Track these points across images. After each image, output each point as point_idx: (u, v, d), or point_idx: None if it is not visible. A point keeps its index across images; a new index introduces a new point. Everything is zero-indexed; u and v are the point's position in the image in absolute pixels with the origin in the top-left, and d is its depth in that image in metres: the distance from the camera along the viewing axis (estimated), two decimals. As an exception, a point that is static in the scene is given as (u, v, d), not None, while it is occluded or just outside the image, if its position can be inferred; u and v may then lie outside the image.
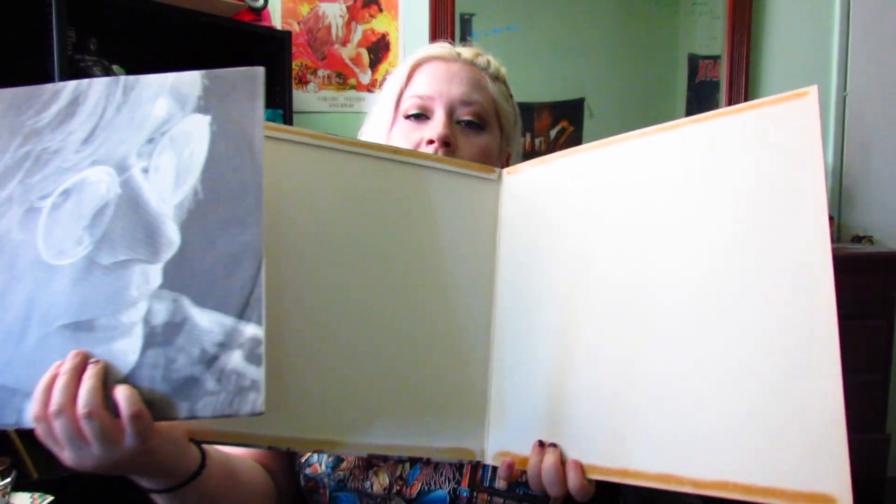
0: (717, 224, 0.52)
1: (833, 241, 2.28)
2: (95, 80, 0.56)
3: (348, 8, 2.18)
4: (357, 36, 2.19)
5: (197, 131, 0.54)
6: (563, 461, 0.58)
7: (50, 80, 1.37)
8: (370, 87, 2.19)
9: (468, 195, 0.67)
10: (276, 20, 2.09)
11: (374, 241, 0.64)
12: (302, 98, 2.13)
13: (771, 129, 0.51)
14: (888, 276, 1.91)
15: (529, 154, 2.42)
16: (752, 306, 0.49)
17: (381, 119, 0.80)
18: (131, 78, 0.56)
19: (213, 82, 0.56)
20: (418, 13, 2.20)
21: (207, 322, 0.51)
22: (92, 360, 0.50)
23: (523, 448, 0.61)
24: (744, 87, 2.33)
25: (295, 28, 2.14)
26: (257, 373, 0.50)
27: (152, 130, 0.55)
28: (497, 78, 0.82)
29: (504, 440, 0.63)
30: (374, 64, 2.19)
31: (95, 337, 0.51)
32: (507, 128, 0.83)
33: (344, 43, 2.19)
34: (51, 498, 1.18)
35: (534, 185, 0.66)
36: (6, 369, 0.51)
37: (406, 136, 0.77)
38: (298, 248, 0.62)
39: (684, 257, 0.54)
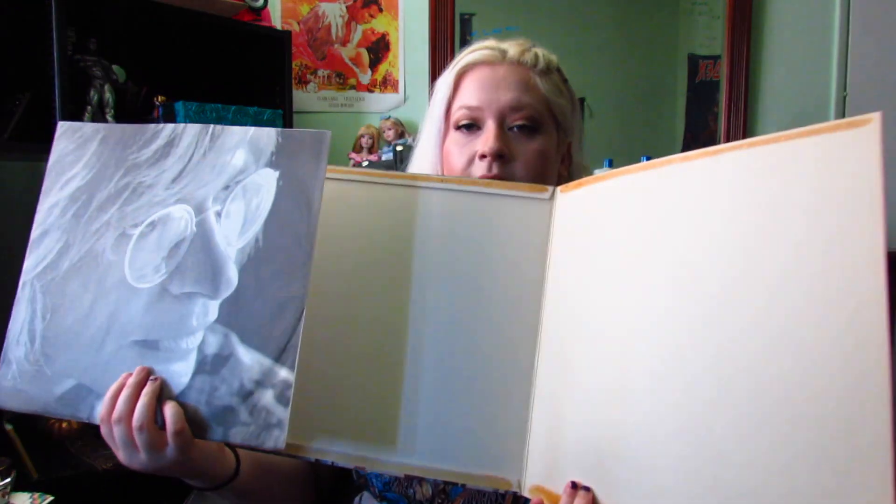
0: (773, 257, 0.48)
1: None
2: (189, 125, 0.63)
3: (348, 8, 2.18)
4: (357, 36, 2.19)
5: (266, 184, 0.60)
6: None
7: (50, 79, 1.37)
8: (370, 87, 2.19)
9: (518, 217, 0.66)
10: (276, 20, 2.08)
11: (420, 271, 0.66)
12: (302, 98, 2.13)
13: (831, 158, 0.46)
14: (888, 276, 1.90)
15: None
16: (803, 357, 0.44)
17: (433, 130, 0.81)
18: (219, 127, 0.62)
19: (285, 140, 0.61)
20: (418, 13, 2.20)
21: (249, 360, 0.58)
22: (153, 376, 0.58)
23: (558, 485, 0.57)
24: (744, 87, 2.33)
25: (295, 28, 2.14)
26: (284, 413, 0.56)
27: (229, 178, 0.61)
28: (547, 71, 0.79)
29: (541, 474, 0.59)
30: (374, 64, 2.19)
31: (158, 356, 0.59)
32: (564, 121, 0.80)
33: (344, 43, 2.19)
34: (51, 498, 1.18)
35: (589, 203, 0.62)
36: (87, 371, 0.60)
37: (460, 149, 0.76)
38: (348, 278, 0.66)
39: (742, 291, 0.49)
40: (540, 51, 0.80)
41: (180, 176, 0.62)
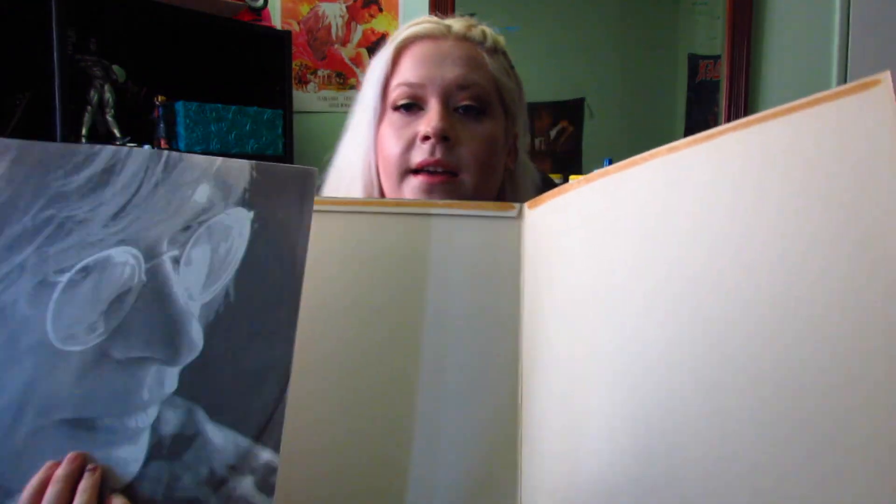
0: (773, 253, 0.41)
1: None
2: (136, 150, 0.51)
3: (348, 8, 2.18)
4: (357, 36, 2.19)
5: (237, 227, 0.50)
6: None
7: (50, 80, 1.37)
8: (370, 87, 2.19)
9: (488, 238, 0.57)
10: (276, 20, 2.09)
11: (388, 305, 0.56)
12: (302, 98, 2.13)
13: (836, 131, 0.40)
14: None
15: (529, 153, 2.41)
16: (829, 354, 0.38)
17: (365, 113, 0.70)
18: (175, 154, 0.51)
19: (261, 175, 0.51)
20: (418, 13, 2.19)
21: (221, 440, 0.47)
22: (90, 466, 0.45)
23: None
24: (744, 87, 2.33)
25: (295, 28, 2.14)
26: (268, 502, 0.46)
27: (190, 217, 0.50)
28: (495, 50, 0.72)
29: None
30: (374, 64, 2.19)
31: (97, 439, 0.46)
32: (512, 106, 0.73)
33: (344, 43, 2.19)
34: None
35: (559, 217, 0.54)
36: None
37: (397, 132, 0.67)
38: (312, 318, 0.54)
39: (735, 295, 0.43)
40: (487, 28, 0.73)
41: (123, 211, 0.49)
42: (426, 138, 0.65)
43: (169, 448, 0.47)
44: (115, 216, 0.49)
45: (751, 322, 0.41)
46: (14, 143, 0.50)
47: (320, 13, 2.17)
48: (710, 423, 0.42)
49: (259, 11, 1.80)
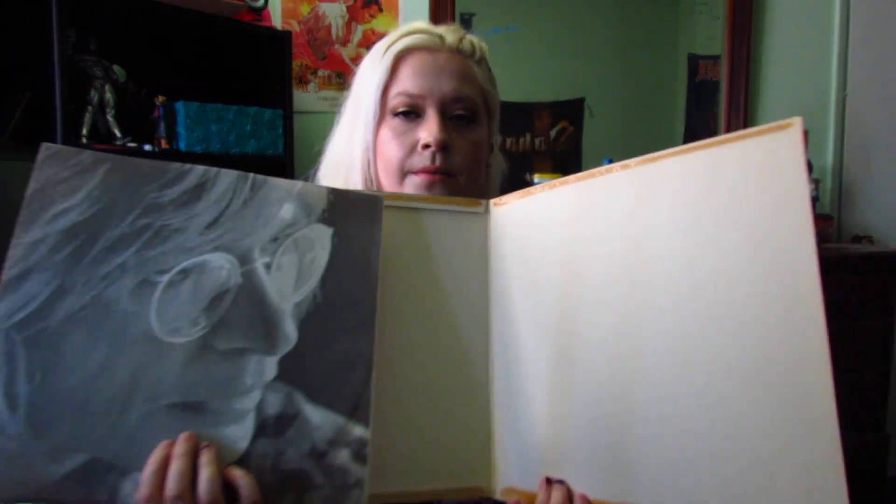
0: (703, 258, 0.51)
1: (833, 241, 2.29)
2: (223, 170, 0.57)
3: (348, 8, 2.18)
4: (357, 36, 2.19)
5: (319, 240, 0.58)
6: (570, 497, 0.57)
7: (50, 80, 1.37)
8: (370, 87, 2.19)
9: (458, 231, 0.66)
10: (276, 20, 2.09)
11: (388, 295, 0.63)
12: (302, 98, 2.13)
13: (757, 162, 0.50)
14: (888, 276, 1.90)
15: (530, 154, 2.42)
16: (741, 347, 0.48)
17: (364, 114, 0.76)
18: (259, 177, 0.58)
19: (337, 199, 0.59)
20: (418, 13, 2.20)
21: (319, 419, 0.54)
22: (204, 444, 0.51)
23: (530, 484, 0.60)
24: (744, 87, 2.33)
25: (295, 28, 2.14)
26: (362, 471, 0.54)
27: (277, 230, 0.57)
28: (481, 61, 0.78)
29: (511, 476, 0.62)
30: (374, 64, 2.19)
31: (205, 420, 0.52)
32: (494, 111, 0.80)
33: (344, 43, 2.19)
34: (51, 498, 1.17)
35: (520, 216, 0.65)
36: (103, 443, 0.50)
37: (398, 138, 0.73)
38: None
39: (670, 292, 0.53)
40: (474, 38, 0.79)
41: (216, 223, 0.56)
42: (427, 146, 0.72)
43: (273, 427, 0.53)
44: (209, 226, 0.55)
45: (686, 314, 0.51)
46: (109, 156, 0.55)
47: (320, 13, 2.17)
48: (645, 392, 0.53)
49: (259, 11, 1.80)
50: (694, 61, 2.39)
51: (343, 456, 0.54)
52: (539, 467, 0.59)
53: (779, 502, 0.45)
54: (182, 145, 1.60)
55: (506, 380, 0.64)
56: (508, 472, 0.62)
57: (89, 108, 1.52)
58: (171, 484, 0.48)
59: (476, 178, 0.77)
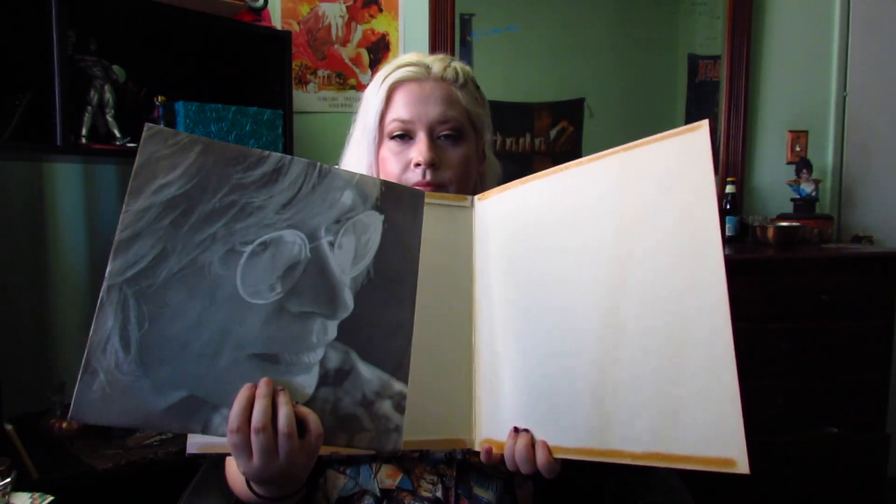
0: (629, 247, 0.65)
1: (833, 241, 2.29)
2: (296, 158, 0.65)
3: (348, 8, 2.18)
4: (357, 36, 2.19)
5: (373, 225, 0.68)
6: (533, 444, 0.68)
7: (50, 80, 1.37)
8: (370, 87, 2.19)
9: (449, 222, 0.79)
10: (276, 20, 2.09)
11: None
12: (302, 98, 2.13)
13: (669, 161, 0.62)
14: (888, 276, 1.90)
15: (529, 154, 2.42)
16: (662, 318, 0.62)
17: (366, 138, 0.90)
18: (325, 166, 0.66)
19: (387, 191, 0.69)
20: (418, 13, 2.20)
21: (369, 374, 0.65)
22: (279, 387, 0.61)
23: (502, 435, 0.72)
24: (744, 87, 2.33)
25: (295, 28, 2.15)
26: (400, 419, 0.66)
27: (340, 213, 0.66)
28: (465, 85, 0.90)
29: (488, 430, 0.74)
30: (374, 64, 2.19)
31: (279, 369, 0.62)
32: (480, 126, 0.92)
33: (344, 43, 2.19)
34: (51, 498, 1.18)
35: (498, 208, 0.78)
36: (198, 382, 0.60)
37: (396, 157, 0.87)
38: None
39: (604, 274, 0.66)
40: (458, 65, 0.91)
41: (290, 204, 0.64)
42: (418, 164, 0.85)
43: (333, 378, 0.64)
44: (284, 206, 0.64)
45: (627, 294, 0.64)
46: (201, 139, 0.63)
47: (320, 13, 2.17)
48: (593, 358, 0.66)
49: (259, 11, 1.80)
50: (694, 61, 2.39)
51: (386, 406, 0.65)
52: (513, 422, 0.71)
53: (691, 433, 0.58)
54: (182, 145, 1.60)
55: (488, 350, 0.76)
56: (485, 427, 0.74)
57: (89, 107, 1.51)
58: (257, 417, 0.58)
59: (465, 188, 0.88)
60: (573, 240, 0.69)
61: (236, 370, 0.61)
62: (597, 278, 0.67)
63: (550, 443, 0.68)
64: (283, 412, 0.59)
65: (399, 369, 0.66)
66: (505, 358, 0.73)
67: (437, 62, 0.89)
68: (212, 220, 0.62)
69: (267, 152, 0.65)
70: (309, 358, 0.63)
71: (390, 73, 0.89)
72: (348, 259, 0.66)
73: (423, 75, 0.88)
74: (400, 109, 0.87)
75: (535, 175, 0.75)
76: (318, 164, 0.66)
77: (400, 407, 0.66)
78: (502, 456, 0.71)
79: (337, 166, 0.67)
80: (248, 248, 0.62)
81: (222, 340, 0.60)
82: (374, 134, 0.89)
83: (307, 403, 0.62)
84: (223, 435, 0.59)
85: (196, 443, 0.71)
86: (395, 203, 0.69)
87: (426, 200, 0.73)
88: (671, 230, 0.61)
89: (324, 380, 0.63)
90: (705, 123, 0.60)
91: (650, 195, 0.63)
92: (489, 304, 0.76)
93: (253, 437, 0.59)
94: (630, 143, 0.66)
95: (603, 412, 0.64)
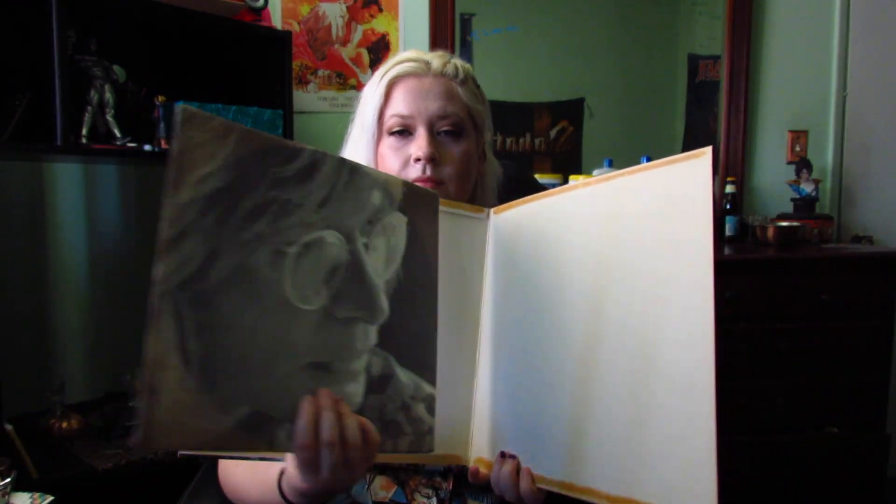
0: (629, 270, 0.63)
1: (833, 241, 2.29)
2: (327, 153, 0.61)
3: (348, 8, 2.18)
4: (357, 36, 2.19)
5: (399, 227, 0.65)
6: (518, 470, 0.68)
7: (50, 80, 1.37)
8: (370, 87, 2.19)
9: (464, 232, 0.76)
10: (276, 20, 2.09)
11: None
12: (302, 98, 2.13)
13: (670, 187, 0.61)
14: (888, 276, 1.90)
15: (529, 154, 2.42)
16: (642, 355, 0.60)
17: (365, 134, 0.88)
18: (353, 163, 0.62)
19: (409, 192, 0.67)
20: (418, 13, 2.20)
21: (406, 379, 0.64)
22: (337, 397, 0.58)
23: (494, 457, 0.71)
24: (744, 87, 2.33)
25: (295, 28, 2.15)
26: (433, 421, 0.65)
27: (371, 214, 0.63)
28: (465, 80, 0.88)
29: (483, 449, 0.73)
30: (374, 64, 2.19)
31: (331, 378, 0.59)
32: (480, 124, 0.90)
33: (344, 43, 2.19)
34: (51, 498, 1.18)
35: (511, 224, 0.77)
36: (261, 397, 0.54)
37: (395, 152, 0.85)
38: None
39: (612, 302, 0.64)
40: (458, 61, 0.89)
41: (326, 202, 0.60)
42: (418, 160, 0.83)
43: (377, 385, 0.62)
44: (321, 205, 0.60)
45: (601, 332, 0.64)
46: (236, 126, 0.57)
47: (320, 13, 2.17)
48: (569, 374, 0.66)
49: (259, 11, 1.80)
50: (694, 61, 2.39)
51: (420, 409, 0.65)
52: (506, 444, 0.71)
53: (667, 479, 0.57)
54: (182, 145, 1.60)
55: (488, 368, 0.75)
56: (482, 445, 0.74)
57: (89, 108, 1.51)
58: (328, 432, 0.55)
59: (465, 186, 0.87)
60: (565, 265, 0.69)
61: (293, 381, 0.56)
62: (578, 309, 0.66)
63: (535, 471, 0.67)
64: (350, 424, 0.56)
65: (429, 372, 0.66)
66: (501, 379, 0.73)
67: (436, 58, 0.87)
68: (256, 217, 0.56)
69: (300, 144, 0.59)
70: (356, 365, 0.60)
71: (389, 69, 0.87)
72: (381, 262, 0.63)
73: (422, 71, 0.86)
74: (399, 105, 0.85)
75: (549, 192, 0.73)
76: (348, 160, 0.62)
77: (431, 409, 0.65)
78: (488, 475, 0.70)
79: (363, 165, 0.64)
80: (294, 249, 0.57)
81: (277, 349, 0.55)
82: (373, 130, 0.87)
83: (358, 412, 0.59)
84: (289, 451, 0.55)
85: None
86: (417, 205, 0.67)
87: (442, 209, 0.71)
88: (659, 273, 0.60)
89: (369, 387, 0.61)
90: (708, 151, 0.59)
91: (645, 223, 0.63)
92: (491, 321, 0.76)
93: (323, 452, 0.55)
94: (634, 167, 0.65)
95: (581, 448, 0.64)
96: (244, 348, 0.53)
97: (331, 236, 0.60)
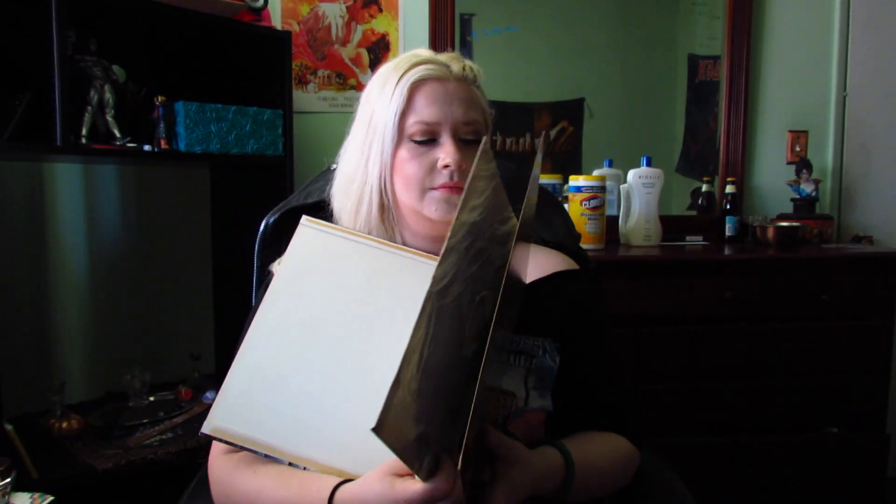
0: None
1: (833, 241, 2.29)
2: (520, 231, 0.63)
3: (348, 8, 2.18)
4: (357, 36, 2.19)
5: None
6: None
7: (50, 80, 1.37)
8: (370, 87, 2.19)
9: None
10: (276, 20, 2.09)
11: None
12: (302, 98, 2.13)
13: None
14: (888, 276, 1.90)
15: (530, 153, 2.41)
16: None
17: (381, 136, 0.85)
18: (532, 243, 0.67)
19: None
20: (418, 13, 2.20)
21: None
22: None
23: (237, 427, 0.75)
24: (744, 87, 2.33)
25: (295, 28, 2.15)
26: None
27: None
28: (479, 84, 0.89)
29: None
30: (374, 64, 2.19)
31: (459, 423, 0.56)
32: (490, 125, 0.90)
33: (344, 43, 2.19)
34: (51, 498, 1.18)
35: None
36: (430, 421, 0.54)
37: (418, 158, 0.83)
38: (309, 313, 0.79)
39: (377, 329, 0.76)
40: (471, 63, 0.88)
41: (499, 270, 0.62)
42: (446, 166, 0.82)
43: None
44: (497, 270, 0.62)
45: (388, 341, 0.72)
46: (495, 175, 0.61)
47: (320, 13, 2.17)
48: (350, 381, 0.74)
49: (259, 11, 1.80)
50: (694, 61, 2.39)
51: None
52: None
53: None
54: (182, 145, 1.60)
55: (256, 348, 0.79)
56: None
57: (89, 108, 1.51)
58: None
59: None
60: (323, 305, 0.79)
61: (442, 417, 0.56)
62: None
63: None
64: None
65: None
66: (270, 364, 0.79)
67: (453, 61, 0.86)
68: (476, 259, 0.59)
69: (512, 212, 0.66)
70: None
71: (407, 71, 0.84)
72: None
73: (444, 75, 0.85)
74: (423, 111, 0.83)
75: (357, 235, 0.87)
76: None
77: None
78: None
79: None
80: (478, 299, 0.60)
81: (442, 382, 0.56)
82: (393, 133, 0.84)
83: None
84: (423, 481, 0.57)
85: (213, 424, 0.70)
86: None
87: (400, 254, 0.82)
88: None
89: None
90: None
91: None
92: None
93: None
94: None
95: (308, 423, 0.73)
96: (439, 371, 0.54)
97: (490, 297, 0.62)
